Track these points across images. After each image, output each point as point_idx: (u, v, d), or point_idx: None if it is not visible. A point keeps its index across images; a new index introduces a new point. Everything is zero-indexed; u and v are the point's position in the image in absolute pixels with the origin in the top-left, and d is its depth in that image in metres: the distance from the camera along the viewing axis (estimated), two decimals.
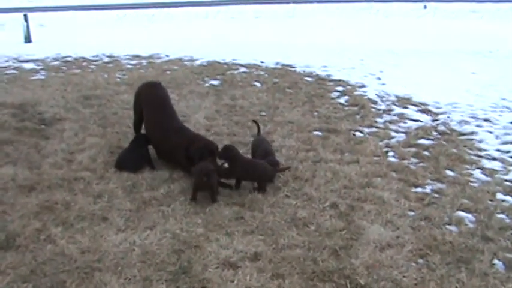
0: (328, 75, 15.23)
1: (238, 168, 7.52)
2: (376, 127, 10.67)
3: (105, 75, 15.02)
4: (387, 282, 5.54)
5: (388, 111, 11.80)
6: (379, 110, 11.89)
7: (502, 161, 9.09)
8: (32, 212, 6.80)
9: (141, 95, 8.83)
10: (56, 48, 19.55)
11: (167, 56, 18.32)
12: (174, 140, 8.13)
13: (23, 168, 8.12)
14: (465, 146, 9.70)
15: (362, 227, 6.61)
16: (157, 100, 8.63)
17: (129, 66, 16.60)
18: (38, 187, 7.48)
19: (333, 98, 12.78)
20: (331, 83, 14.27)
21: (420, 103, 12.41)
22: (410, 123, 10.95)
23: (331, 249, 6.09)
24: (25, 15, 23.34)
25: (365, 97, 12.81)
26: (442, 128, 10.69)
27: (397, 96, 12.98)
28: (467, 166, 8.80)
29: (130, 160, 8.24)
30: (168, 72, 15.51)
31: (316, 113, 11.45)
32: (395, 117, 11.33)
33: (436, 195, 7.64)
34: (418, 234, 6.50)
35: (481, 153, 9.41)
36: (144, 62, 17.32)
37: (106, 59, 17.78)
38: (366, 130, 10.45)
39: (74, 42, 21.99)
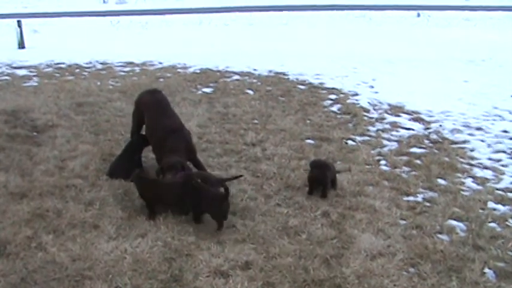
0: (321, 83, 15.24)
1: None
2: (369, 135, 10.69)
3: (98, 82, 15.00)
4: None
5: (380, 119, 11.82)
6: (372, 118, 11.91)
7: (494, 169, 9.12)
8: (23, 219, 6.79)
9: (141, 101, 8.74)
10: (50, 55, 19.52)
11: (160, 63, 18.31)
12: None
13: (15, 175, 8.12)
14: (457, 155, 9.73)
15: (353, 236, 6.63)
16: (158, 103, 8.56)
17: (122, 73, 16.59)
18: (29, 194, 7.48)
19: (325, 106, 12.80)
20: (324, 91, 14.28)
21: (413, 111, 12.44)
22: (402, 132, 10.98)
23: (322, 257, 6.10)
24: (19, 21, 23.29)
25: (358, 105, 12.83)
26: (434, 136, 10.73)
27: (389, 105, 13.00)
28: (459, 175, 8.82)
29: (123, 168, 8.22)
30: (161, 80, 15.50)
31: (308, 121, 11.46)
32: (388, 126, 11.35)
33: (428, 204, 7.66)
34: (410, 243, 6.51)
35: (473, 162, 9.44)
36: (137, 69, 17.31)
37: (99, 66, 17.76)
38: (358, 138, 10.46)
39: (68, 48, 21.95)
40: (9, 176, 8.08)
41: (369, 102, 13.14)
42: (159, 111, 8.41)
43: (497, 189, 8.27)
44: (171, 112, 8.60)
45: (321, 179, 7.76)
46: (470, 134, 10.94)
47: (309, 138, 10.33)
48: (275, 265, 5.94)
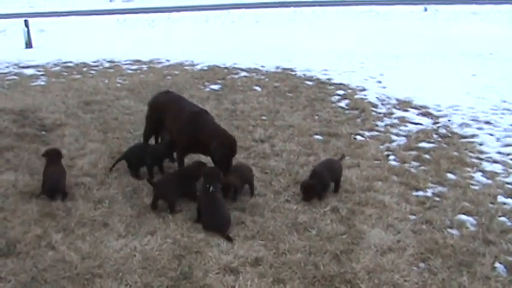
0: (329, 79, 15.22)
1: None
2: (377, 131, 10.68)
3: (106, 81, 15.04)
4: (388, 287, 5.55)
5: (388, 114, 11.79)
6: (380, 113, 11.89)
7: (503, 163, 9.08)
8: (33, 218, 6.82)
9: (157, 103, 8.62)
10: (57, 54, 19.60)
11: (168, 60, 18.33)
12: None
13: (24, 174, 8.15)
14: (466, 149, 9.70)
15: (363, 231, 6.62)
16: (177, 100, 8.58)
17: (130, 71, 16.63)
18: (38, 193, 7.48)
19: (333, 102, 12.78)
20: (331, 87, 14.27)
21: (421, 106, 12.41)
22: (411, 127, 10.95)
23: (332, 253, 6.10)
24: (26, 21, 23.37)
25: (366, 101, 12.81)
26: (442, 131, 10.69)
27: (397, 100, 12.97)
28: (468, 169, 8.80)
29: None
30: (169, 77, 15.52)
31: (316, 117, 11.44)
32: (396, 121, 11.32)
33: (437, 199, 7.64)
34: (419, 238, 6.50)
35: (482, 156, 9.41)
36: (144, 67, 17.34)
37: (106, 64, 17.81)
38: (367, 134, 10.45)
39: (75, 47, 22.02)
40: (18, 175, 8.10)
41: (377, 97, 13.11)
42: (181, 104, 8.40)
43: (507, 183, 8.25)
44: (192, 103, 8.68)
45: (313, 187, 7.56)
46: (479, 128, 10.89)
47: (317, 134, 10.32)
48: (285, 261, 5.94)
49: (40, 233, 6.48)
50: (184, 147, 8.01)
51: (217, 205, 6.76)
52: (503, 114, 11.98)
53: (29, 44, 23.07)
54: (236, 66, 17.06)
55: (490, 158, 9.35)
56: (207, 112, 8.21)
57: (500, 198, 7.69)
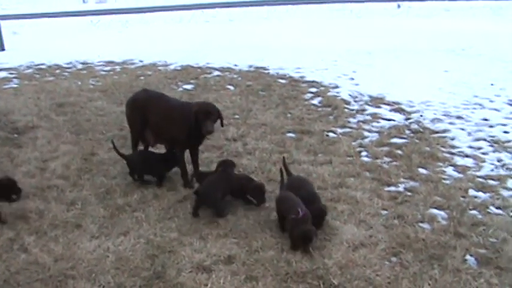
0: (302, 77, 15.24)
1: None
2: (350, 127, 10.73)
3: (79, 82, 14.98)
4: (360, 282, 5.59)
5: (361, 111, 11.85)
6: (353, 110, 11.94)
7: (474, 157, 9.17)
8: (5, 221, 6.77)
9: (138, 101, 8.35)
10: (30, 56, 19.47)
11: (141, 61, 18.27)
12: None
13: None
14: (438, 144, 9.77)
15: (335, 227, 6.66)
16: (160, 95, 8.51)
17: (103, 72, 16.54)
18: None
19: (306, 100, 12.82)
20: (304, 85, 14.29)
21: (393, 102, 12.47)
22: (383, 123, 11.01)
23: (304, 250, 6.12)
24: None
25: (338, 98, 12.85)
26: (415, 126, 10.76)
27: (370, 96, 13.02)
28: (440, 163, 8.87)
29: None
30: (142, 78, 15.48)
31: (289, 115, 11.48)
32: (369, 117, 11.38)
33: (409, 194, 7.71)
34: (391, 233, 6.56)
35: (454, 151, 9.48)
36: (117, 68, 17.26)
37: (80, 66, 17.70)
38: (339, 130, 10.49)
39: (48, 49, 21.84)
40: None
41: (349, 95, 13.16)
42: (165, 99, 8.34)
43: (478, 177, 8.33)
44: (175, 98, 8.83)
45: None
46: (450, 123, 10.97)
47: (290, 132, 10.36)
48: (257, 259, 5.97)
49: (12, 236, 6.48)
50: (184, 142, 8.03)
51: (216, 180, 7.25)
52: (474, 109, 12.08)
53: (1, 47, 22.89)
54: (209, 65, 17.05)
55: (462, 152, 9.43)
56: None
57: (471, 192, 7.77)
